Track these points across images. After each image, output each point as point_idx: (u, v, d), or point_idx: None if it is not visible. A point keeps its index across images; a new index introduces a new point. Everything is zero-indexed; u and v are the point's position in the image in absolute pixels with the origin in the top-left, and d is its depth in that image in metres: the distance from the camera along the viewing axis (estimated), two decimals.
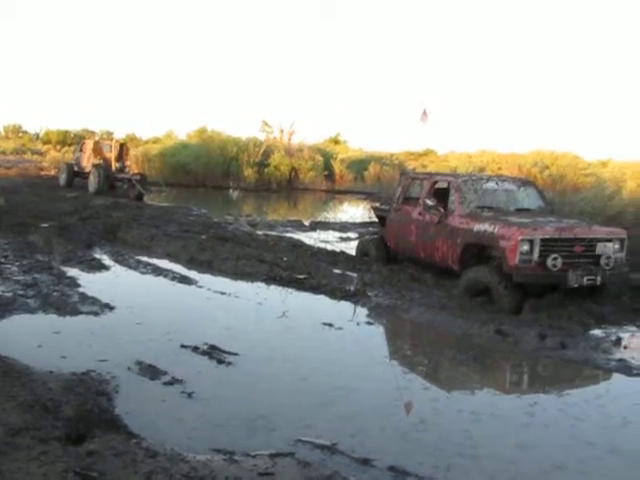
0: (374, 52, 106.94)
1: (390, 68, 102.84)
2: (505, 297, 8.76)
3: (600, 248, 8.96)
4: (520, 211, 10.39)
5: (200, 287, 9.64)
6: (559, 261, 8.58)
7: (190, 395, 5.43)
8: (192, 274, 10.46)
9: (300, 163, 35.89)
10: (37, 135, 76.43)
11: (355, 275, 10.34)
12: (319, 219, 19.93)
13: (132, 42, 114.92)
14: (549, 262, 8.56)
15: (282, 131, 45.12)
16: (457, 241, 9.79)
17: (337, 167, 37.14)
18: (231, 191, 33.00)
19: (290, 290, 9.64)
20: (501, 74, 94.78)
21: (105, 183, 24.30)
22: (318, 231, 15.85)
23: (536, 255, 8.61)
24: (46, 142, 71.56)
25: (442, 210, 10.30)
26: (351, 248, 13.39)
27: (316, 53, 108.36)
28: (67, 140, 79.79)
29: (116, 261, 11.29)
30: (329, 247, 13.65)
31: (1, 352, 6.07)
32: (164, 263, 11.26)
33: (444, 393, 6.20)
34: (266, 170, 35.50)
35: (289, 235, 15.35)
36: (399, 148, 47.23)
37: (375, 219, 13.45)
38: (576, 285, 8.65)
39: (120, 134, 71.42)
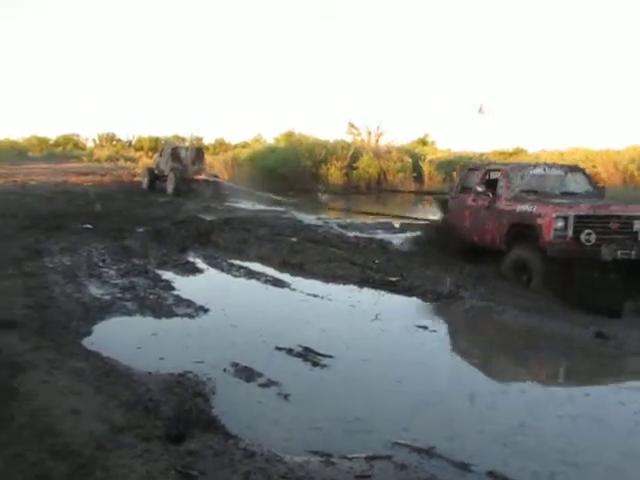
0: (462, 50, 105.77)
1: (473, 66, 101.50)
2: (542, 272, 9.37)
3: (637, 226, 9.48)
4: (566, 194, 11.08)
5: (293, 290, 9.68)
6: (593, 236, 9.20)
7: (286, 397, 5.46)
8: (284, 277, 10.52)
9: (388, 165, 35.63)
10: (130, 142, 78.46)
11: (447, 277, 10.22)
12: (409, 221, 19.77)
13: (219, 47, 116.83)
14: (583, 237, 9.21)
15: (370, 133, 45.04)
16: (503, 222, 10.67)
17: (426, 168, 36.62)
18: (320, 194, 33.10)
19: (382, 292, 9.59)
20: (591, 66, 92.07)
21: (182, 185, 26.08)
22: (408, 232, 15.69)
23: (570, 231, 9.29)
24: (138, 149, 73.44)
25: (491, 195, 11.22)
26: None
27: (401, 53, 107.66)
28: (158, 146, 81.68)
29: (209, 264, 11.48)
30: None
31: (103, 353, 6.28)
32: (256, 266, 11.35)
33: (543, 397, 6.02)
34: (354, 172, 35.46)
35: (379, 237, 15.26)
36: (488, 147, 46.32)
37: None
38: (609, 258, 9.00)
39: (209, 139, 73.12)
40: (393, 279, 10.12)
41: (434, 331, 7.66)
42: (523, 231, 10.20)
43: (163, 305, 8.38)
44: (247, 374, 5.96)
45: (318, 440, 4.67)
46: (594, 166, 33.45)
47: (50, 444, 4.06)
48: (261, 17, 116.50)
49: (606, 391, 6.35)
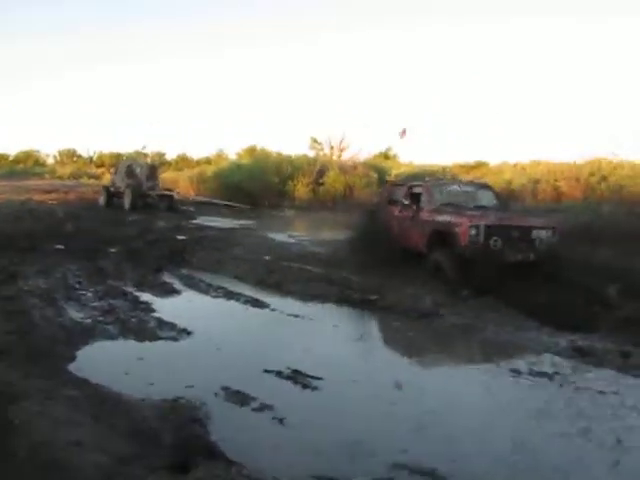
0: (418, 60, 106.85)
1: (428, 76, 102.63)
2: (453, 270, 11.20)
3: (535, 234, 11.54)
4: (477, 207, 12.92)
5: (273, 310, 9.68)
6: (499, 242, 11.07)
7: (281, 421, 5.47)
8: (263, 297, 10.50)
9: (355, 180, 35.82)
10: (90, 158, 77.90)
11: (426, 295, 10.33)
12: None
13: (179, 61, 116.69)
14: (491, 243, 11.06)
15: (332, 147, 45.15)
16: (425, 230, 12.43)
17: None
18: (287, 210, 33.13)
19: (363, 312, 9.67)
20: (549, 77, 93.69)
21: (138, 200, 27.72)
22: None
23: (482, 237, 11.09)
24: (99, 165, 73.06)
25: (415, 207, 13.14)
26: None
27: (360, 66, 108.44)
28: (119, 162, 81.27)
29: (187, 285, 11.44)
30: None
31: (92, 380, 6.24)
32: (234, 286, 11.33)
33: (536, 415, 5.99)
34: (321, 188, 35.56)
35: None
36: (449, 160, 46.74)
37: None
38: (512, 260, 10.96)
39: (171, 155, 72.94)
40: (372, 297, 10.20)
41: (420, 349, 7.74)
42: (442, 237, 11.86)
43: (146, 328, 8.33)
44: (239, 398, 5.94)
45: (320, 464, 4.70)
46: (556, 180, 33.84)
47: (57, 478, 4.04)
48: (222, 29, 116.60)
49: (587, 410, 6.42)
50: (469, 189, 14.13)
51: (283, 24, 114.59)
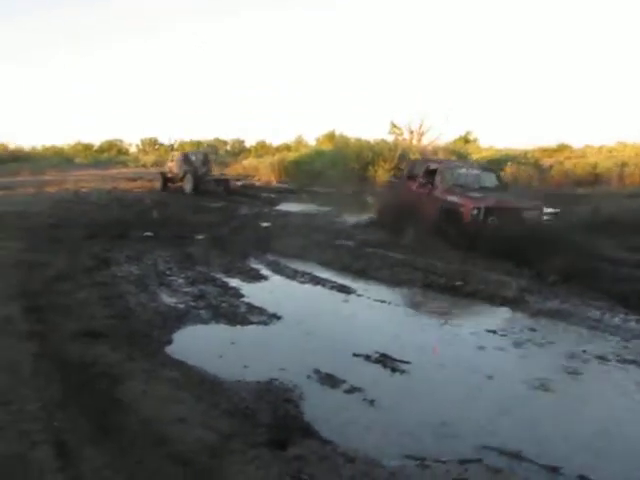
0: (495, 44, 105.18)
1: (508, 58, 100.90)
2: (457, 238, 13.60)
3: (525, 214, 14.28)
4: (482, 188, 15.80)
5: (359, 296, 9.84)
6: (495, 220, 13.87)
7: (372, 403, 5.67)
8: (349, 282, 10.67)
9: None
10: (172, 147, 79.24)
11: (512, 280, 10.35)
12: None
13: (258, 51, 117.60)
14: (489, 220, 13.96)
15: (412, 132, 44.98)
16: (437, 206, 15.24)
17: None
18: (367, 196, 33.17)
19: (448, 297, 9.76)
20: (634, 55, 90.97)
21: (197, 184, 30.30)
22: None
23: (481, 216, 14.07)
24: None
25: (430, 186, 16.06)
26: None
27: (438, 49, 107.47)
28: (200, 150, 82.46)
29: (273, 271, 11.70)
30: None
31: (189, 362, 6.55)
32: (319, 272, 11.55)
33: (627, 401, 6.06)
34: (401, 174, 35.44)
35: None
36: (530, 143, 45.79)
37: None
38: (508, 235, 12.74)
39: (250, 142, 73.81)
40: (457, 283, 10.27)
41: (504, 335, 7.79)
42: (451, 214, 14.64)
43: (237, 313, 8.61)
44: (330, 381, 6.17)
45: (409, 444, 4.88)
46: None
47: (167, 452, 4.35)
48: (306, 20, 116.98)
49: None
50: (475, 172, 17.17)
51: (361, 9, 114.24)
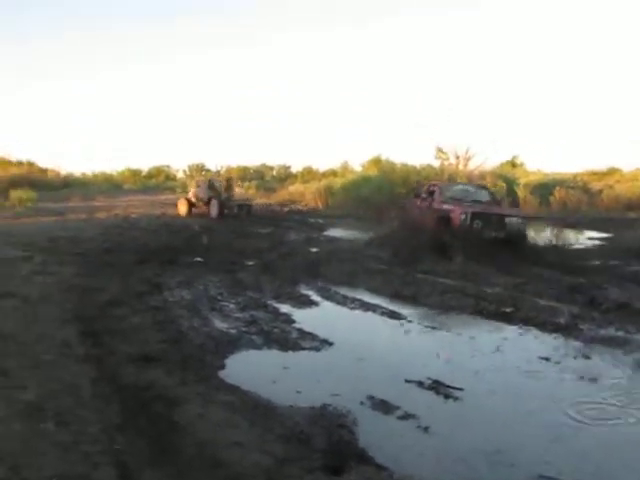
0: (543, 67, 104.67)
1: (556, 82, 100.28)
2: (449, 240, 15.88)
3: (507, 220, 16.92)
4: (474, 201, 18.46)
5: (410, 322, 9.83)
6: (480, 224, 16.46)
7: (426, 430, 5.66)
8: (399, 309, 10.67)
9: None
10: (218, 172, 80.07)
11: (564, 307, 10.27)
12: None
13: (301, 75, 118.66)
14: (475, 225, 16.45)
15: (458, 157, 44.79)
16: (434, 215, 17.72)
17: (521, 193, 36.14)
18: None
19: (498, 323, 9.69)
20: None
21: (223, 208, 32.02)
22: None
23: (468, 220, 16.52)
24: (227, 179, 74.86)
25: (430, 200, 18.82)
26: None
27: (480, 72, 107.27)
28: (247, 176, 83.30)
29: (323, 297, 11.75)
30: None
31: (243, 387, 6.62)
32: (369, 298, 11.57)
33: None
34: None
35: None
36: (578, 167, 45.44)
37: None
38: (488, 236, 16.08)
39: (297, 167, 74.45)
40: (507, 310, 10.21)
41: (557, 363, 7.72)
42: (444, 220, 17.09)
43: (288, 339, 8.67)
44: (384, 407, 6.17)
45: (465, 472, 4.87)
46: None
47: (224, 474, 4.42)
48: (349, 42, 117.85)
49: None
50: (469, 188, 20.69)
51: (407, 31, 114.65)
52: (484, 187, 22.46)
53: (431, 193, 19.26)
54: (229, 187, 34.47)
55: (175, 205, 34.72)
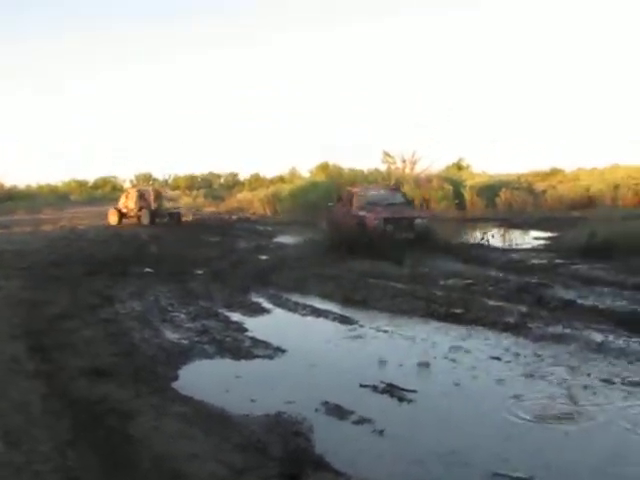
0: (484, 69, 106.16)
1: (498, 84, 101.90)
2: (367, 241, 17.46)
3: (416, 222, 19.76)
4: (389, 204, 20.96)
5: (362, 326, 9.84)
6: (392, 228, 18.98)
7: (381, 433, 5.67)
8: (350, 313, 10.68)
9: (430, 193, 35.76)
10: (166, 181, 79.63)
11: (511, 306, 10.43)
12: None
13: (245, 80, 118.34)
14: (387, 228, 18.95)
15: (404, 161, 45.21)
16: (354, 220, 19.19)
17: (468, 195, 36.49)
18: None
19: (449, 325, 9.74)
20: (621, 78, 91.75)
21: (153, 217, 34.93)
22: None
23: (381, 225, 19.02)
24: (174, 188, 74.60)
25: (349, 205, 21.00)
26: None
27: (426, 76, 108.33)
28: (195, 184, 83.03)
29: (275, 304, 11.74)
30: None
31: (196, 397, 6.59)
32: (320, 304, 11.57)
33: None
34: None
35: (439, 268, 15.38)
36: (523, 168, 46.26)
37: None
38: (399, 237, 18.46)
39: (244, 175, 74.46)
40: (458, 311, 10.31)
41: (508, 362, 7.80)
42: (361, 224, 18.96)
43: (241, 347, 8.66)
44: (339, 412, 6.17)
45: (421, 474, 4.92)
46: (637, 184, 33.11)
47: None
48: (287, 45, 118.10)
49: None
50: (383, 192, 23.29)
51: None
52: (397, 189, 25.60)
53: (350, 199, 21.63)
54: (157, 197, 37.03)
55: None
